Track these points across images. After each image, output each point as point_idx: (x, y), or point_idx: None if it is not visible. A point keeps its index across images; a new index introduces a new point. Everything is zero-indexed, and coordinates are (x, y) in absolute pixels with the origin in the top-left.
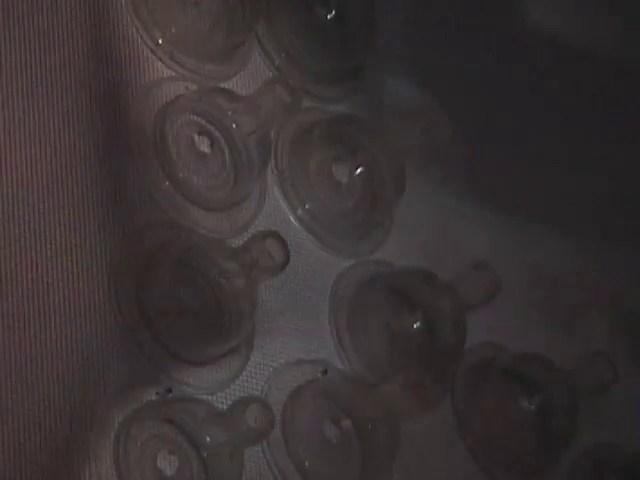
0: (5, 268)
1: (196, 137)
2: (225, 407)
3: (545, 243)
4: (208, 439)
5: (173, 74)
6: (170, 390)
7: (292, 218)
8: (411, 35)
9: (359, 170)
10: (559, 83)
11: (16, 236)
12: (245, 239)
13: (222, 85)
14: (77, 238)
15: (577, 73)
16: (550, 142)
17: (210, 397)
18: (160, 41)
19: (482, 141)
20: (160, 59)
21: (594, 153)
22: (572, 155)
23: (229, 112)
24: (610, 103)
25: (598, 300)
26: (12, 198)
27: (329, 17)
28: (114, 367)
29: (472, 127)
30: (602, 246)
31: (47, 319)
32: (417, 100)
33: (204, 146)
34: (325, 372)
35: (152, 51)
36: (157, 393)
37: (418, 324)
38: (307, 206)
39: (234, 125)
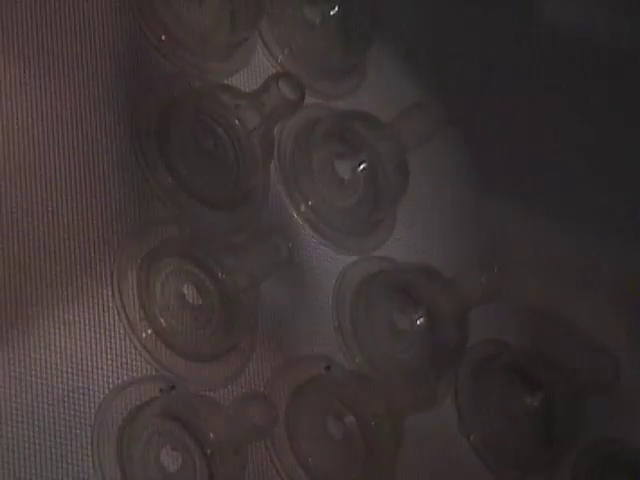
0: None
1: (199, 133)
2: (228, 404)
3: (550, 239)
4: (211, 436)
5: (176, 70)
6: (173, 387)
7: (295, 214)
8: (414, 30)
9: (362, 166)
10: (559, 79)
11: (18, 233)
12: (248, 235)
13: (225, 81)
14: (78, 236)
15: (583, 61)
16: (556, 137)
17: (213, 394)
18: (163, 37)
19: (487, 136)
20: (163, 55)
21: (599, 147)
22: (578, 148)
23: (232, 108)
24: (622, 91)
25: (602, 296)
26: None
27: (332, 13)
28: (117, 363)
29: (477, 122)
30: (607, 241)
31: (46, 318)
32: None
33: (207, 142)
34: (328, 368)
35: (155, 47)
36: (160, 390)
37: (421, 321)
38: (310, 202)
39: (237, 121)
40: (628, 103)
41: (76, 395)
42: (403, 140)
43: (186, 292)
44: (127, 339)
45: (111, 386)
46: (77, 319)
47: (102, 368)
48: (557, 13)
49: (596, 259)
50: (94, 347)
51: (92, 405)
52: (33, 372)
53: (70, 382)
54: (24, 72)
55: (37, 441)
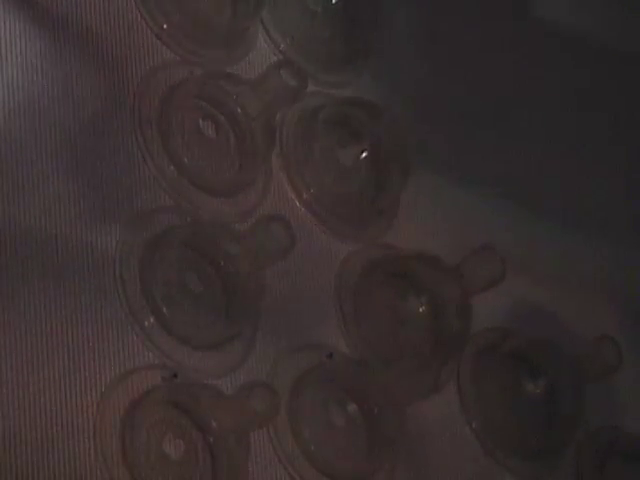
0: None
1: (201, 121)
2: (231, 392)
3: (551, 226)
4: (214, 423)
5: (178, 59)
6: (175, 375)
7: (297, 202)
8: (416, 19)
9: (364, 154)
10: (558, 76)
11: (19, 221)
12: (250, 223)
13: (227, 69)
14: (81, 225)
15: (582, 60)
16: (556, 127)
17: (216, 382)
18: (165, 26)
19: (488, 125)
20: (165, 44)
21: (599, 140)
22: (578, 141)
23: (234, 96)
24: (621, 91)
25: (603, 282)
26: (14, 181)
27: (334, 1)
28: (119, 351)
29: (477, 111)
30: (607, 229)
31: (49, 307)
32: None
33: (209, 130)
34: (331, 356)
35: (157, 36)
36: (163, 378)
37: (423, 308)
38: (312, 190)
39: (239, 109)
40: (628, 103)
41: (79, 383)
42: (405, 127)
43: (188, 279)
44: (129, 327)
45: (113, 374)
46: (79, 307)
47: (104, 356)
48: (556, 11)
49: (599, 244)
50: (96, 335)
51: (95, 393)
52: (35, 360)
53: (73, 370)
54: (29, 58)
55: (39, 429)
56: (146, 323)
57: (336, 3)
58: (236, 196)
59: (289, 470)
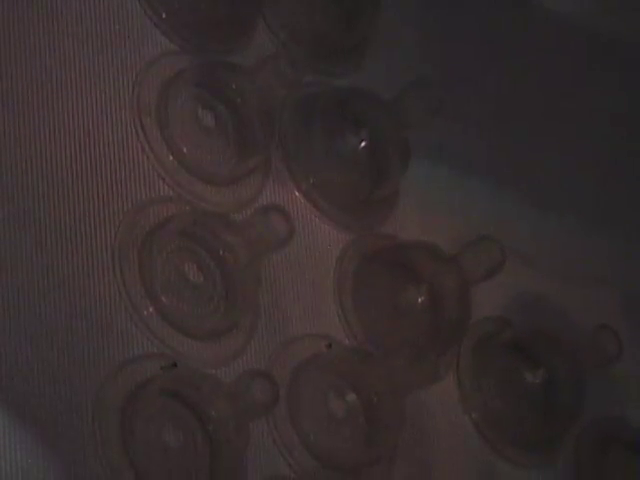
0: (6, 251)
1: (200, 111)
2: (230, 381)
3: (551, 217)
4: (213, 413)
5: (177, 48)
6: (175, 364)
7: (296, 192)
8: (416, 10)
9: (363, 144)
10: (566, 61)
11: (19, 219)
12: (249, 213)
13: (226, 59)
14: (80, 214)
15: (584, 50)
16: (556, 117)
17: (215, 371)
18: (164, 15)
19: (488, 116)
20: (164, 33)
21: (599, 132)
22: (578, 132)
23: (233, 86)
24: (622, 82)
25: (603, 272)
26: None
27: None
28: (118, 341)
29: (478, 103)
30: (607, 219)
31: (49, 296)
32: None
33: (208, 120)
34: (330, 346)
35: (156, 25)
36: (162, 367)
37: (423, 298)
38: (311, 180)
39: (238, 99)
40: (629, 93)
41: (79, 373)
42: (404, 117)
43: (187, 270)
44: (129, 317)
45: (112, 363)
46: (78, 297)
47: (104, 345)
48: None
49: (598, 235)
50: (95, 324)
51: (94, 383)
52: (35, 348)
53: (72, 360)
54: (25, 51)
55: (38, 420)
56: (145, 312)
57: None
58: (235, 186)
59: (288, 460)
